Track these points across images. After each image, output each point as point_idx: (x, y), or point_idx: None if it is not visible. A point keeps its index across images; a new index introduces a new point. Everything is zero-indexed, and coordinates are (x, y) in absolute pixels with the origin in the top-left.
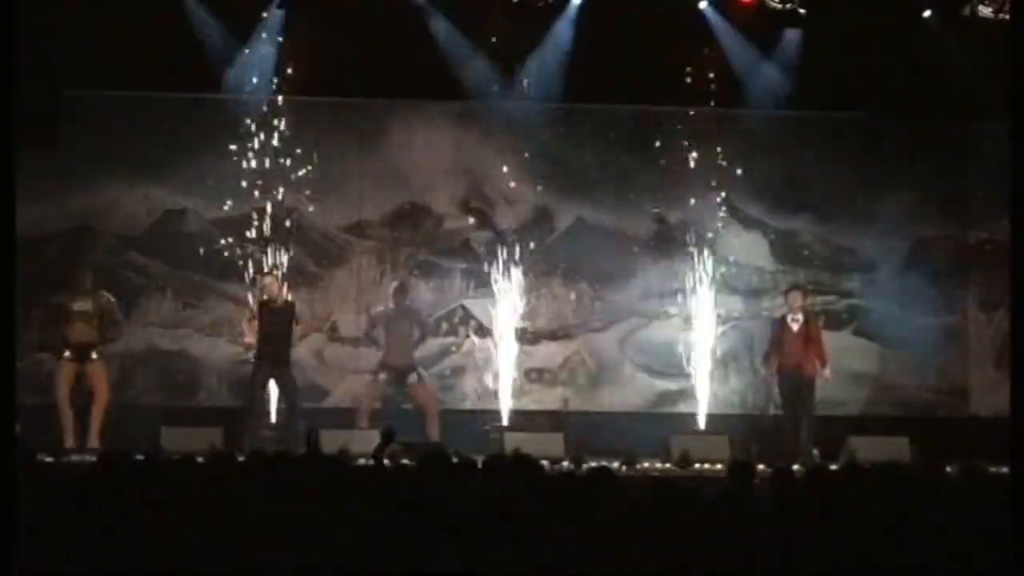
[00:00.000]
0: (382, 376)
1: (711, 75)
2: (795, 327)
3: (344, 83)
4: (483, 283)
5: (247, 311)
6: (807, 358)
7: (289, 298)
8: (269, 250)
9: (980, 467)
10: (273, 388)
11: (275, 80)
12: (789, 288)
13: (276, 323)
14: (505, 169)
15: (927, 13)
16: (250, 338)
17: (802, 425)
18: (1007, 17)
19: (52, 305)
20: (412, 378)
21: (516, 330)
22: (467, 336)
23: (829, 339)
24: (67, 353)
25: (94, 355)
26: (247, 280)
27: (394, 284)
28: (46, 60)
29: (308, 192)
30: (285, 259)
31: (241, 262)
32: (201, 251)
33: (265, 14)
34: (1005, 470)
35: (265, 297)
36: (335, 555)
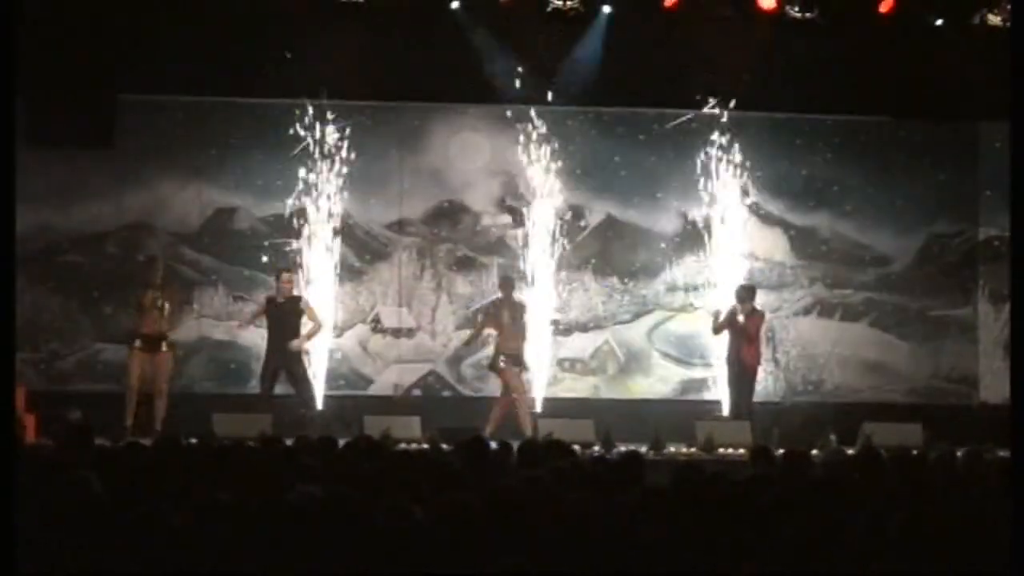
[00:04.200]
0: (502, 363)
1: (732, 80)
2: (740, 319)
3: (385, 87)
4: (518, 277)
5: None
6: (749, 352)
7: (296, 294)
8: (314, 246)
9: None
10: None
11: (320, 85)
12: (742, 288)
13: (281, 317)
14: (538, 169)
15: (939, 22)
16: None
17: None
18: None
19: (119, 297)
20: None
21: (549, 322)
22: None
23: (846, 330)
24: (137, 343)
25: (164, 346)
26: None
27: (501, 277)
28: (103, 65)
29: (352, 191)
30: (331, 256)
31: (298, 259)
32: (251, 247)
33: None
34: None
35: (273, 293)
36: (376, 541)
